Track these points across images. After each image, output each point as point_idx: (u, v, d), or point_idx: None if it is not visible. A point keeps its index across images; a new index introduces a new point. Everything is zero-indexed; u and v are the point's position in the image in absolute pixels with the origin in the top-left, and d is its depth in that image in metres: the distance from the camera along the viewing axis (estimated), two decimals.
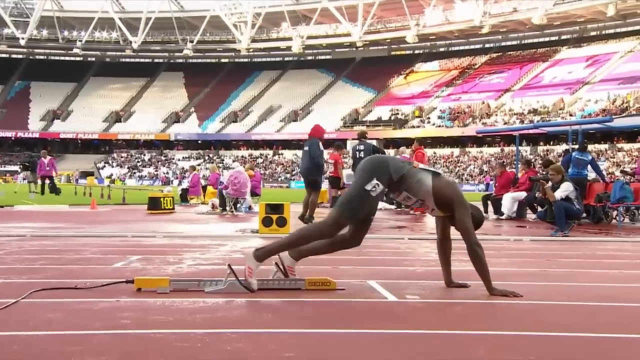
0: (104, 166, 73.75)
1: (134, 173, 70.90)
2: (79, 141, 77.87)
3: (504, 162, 15.30)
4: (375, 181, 4.10)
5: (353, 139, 47.95)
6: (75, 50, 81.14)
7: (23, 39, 76.66)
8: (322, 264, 5.17)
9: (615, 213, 11.85)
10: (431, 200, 4.21)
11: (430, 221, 10.50)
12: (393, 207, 15.38)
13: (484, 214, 13.01)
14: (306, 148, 10.38)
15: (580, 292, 4.45)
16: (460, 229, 4.23)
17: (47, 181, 21.64)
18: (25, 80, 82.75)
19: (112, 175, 68.08)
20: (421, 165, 4.32)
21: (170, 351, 2.70)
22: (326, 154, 12.22)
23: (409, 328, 3.24)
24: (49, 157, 21.71)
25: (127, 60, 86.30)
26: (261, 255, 4.16)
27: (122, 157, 75.68)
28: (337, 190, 14.66)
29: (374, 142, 26.01)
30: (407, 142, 50.37)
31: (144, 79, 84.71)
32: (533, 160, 29.90)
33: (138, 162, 74.37)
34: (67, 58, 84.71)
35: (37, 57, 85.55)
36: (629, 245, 8.22)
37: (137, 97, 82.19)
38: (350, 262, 5.64)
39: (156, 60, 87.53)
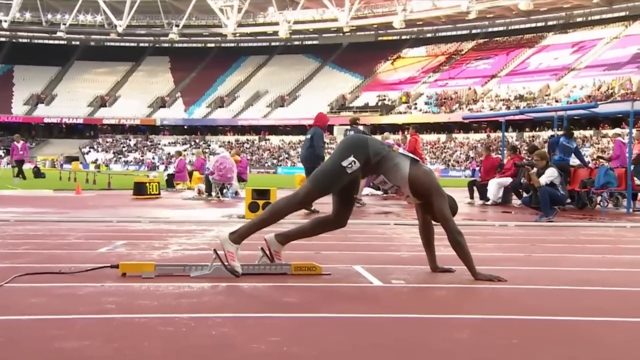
0: (89, 151, 73.23)
1: (120, 158, 70.48)
2: (64, 126, 77.18)
3: (490, 146, 15.40)
4: (352, 158, 4.08)
5: (340, 125, 47.98)
6: (59, 34, 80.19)
7: (5, 21, 75.62)
8: (308, 249, 5.18)
9: (599, 198, 11.96)
10: (406, 187, 4.20)
11: None
12: (380, 192, 15.42)
13: (470, 200, 13.26)
14: (308, 136, 10.47)
15: (564, 276, 4.49)
16: (439, 218, 4.23)
17: (24, 165, 21.46)
18: (9, 64, 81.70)
19: (97, 160, 67.62)
20: (400, 150, 4.32)
21: (155, 335, 2.69)
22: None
23: (394, 312, 3.25)
24: (21, 142, 21.49)
25: (112, 44, 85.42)
26: (237, 237, 4.13)
27: (107, 142, 75.15)
28: None
29: (361, 128, 26.04)
30: (394, 128, 50.56)
31: (129, 63, 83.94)
32: (519, 146, 30.10)
33: (123, 147, 73.90)
34: (51, 41, 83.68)
35: (20, 40, 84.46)
36: (612, 230, 8.30)
37: (123, 82, 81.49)
38: (336, 247, 5.66)
39: (141, 45, 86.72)
